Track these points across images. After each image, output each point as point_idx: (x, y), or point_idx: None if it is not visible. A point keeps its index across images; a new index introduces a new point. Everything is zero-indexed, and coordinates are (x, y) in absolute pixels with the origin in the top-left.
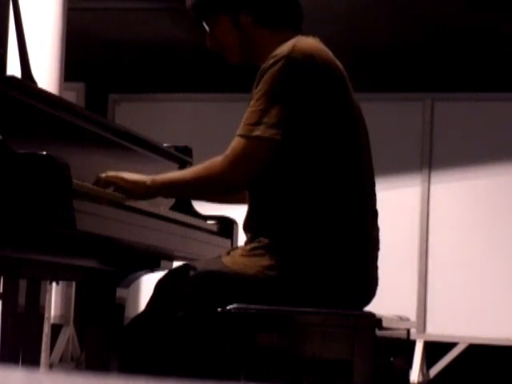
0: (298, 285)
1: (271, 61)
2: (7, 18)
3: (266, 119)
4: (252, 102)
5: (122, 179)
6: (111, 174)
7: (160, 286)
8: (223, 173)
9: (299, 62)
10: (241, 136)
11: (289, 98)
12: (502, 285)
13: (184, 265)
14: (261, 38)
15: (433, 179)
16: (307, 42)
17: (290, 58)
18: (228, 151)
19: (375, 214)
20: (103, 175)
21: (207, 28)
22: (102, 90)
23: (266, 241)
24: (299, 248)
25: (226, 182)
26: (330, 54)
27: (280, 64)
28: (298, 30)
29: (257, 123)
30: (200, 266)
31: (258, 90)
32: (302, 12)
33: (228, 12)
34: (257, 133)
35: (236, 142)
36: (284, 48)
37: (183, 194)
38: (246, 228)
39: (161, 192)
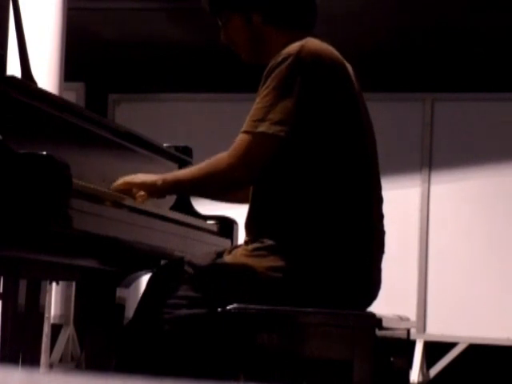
0: (300, 287)
1: (279, 58)
2: (7, 18)
3: (271, 116)
4: (258, 99)
5: (130, 184)
6: (119, 182)
7: (153, 280)
8: (227, 169)
9: (307, 60)
10: (245, 132)
11: (295, 96)
12: (502, 285)
13: (177, 260)
14: (272, 37)
15: (433, 179)
16: (315, 43)
17: (298, 56)
18: (232, 147)
19: (381, 216)
20: (112, 187)
21: (220, 24)
22: (101, 89)
23: (269, 242)
24: (303, 250)
25: (230, 177)
26: (339, 55)
27: (288, 62)
28: (310, 30)
29: (261, 119)
30: (196, 261)
31: (265, 87)
32: (317, 11)
33: (241, 11)
34: (261, 129)
35: (240, 138)
36: (293, 47)
37: (191, 192)
38: (248, 228)
39: (170, 191)
